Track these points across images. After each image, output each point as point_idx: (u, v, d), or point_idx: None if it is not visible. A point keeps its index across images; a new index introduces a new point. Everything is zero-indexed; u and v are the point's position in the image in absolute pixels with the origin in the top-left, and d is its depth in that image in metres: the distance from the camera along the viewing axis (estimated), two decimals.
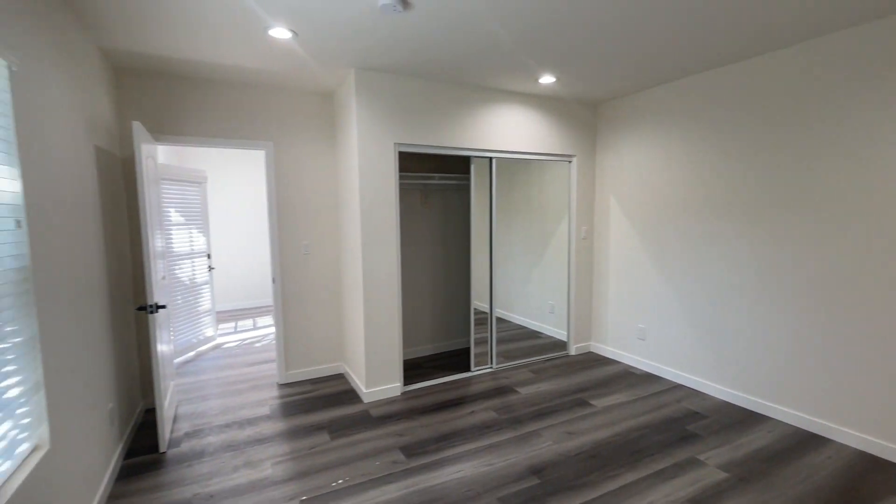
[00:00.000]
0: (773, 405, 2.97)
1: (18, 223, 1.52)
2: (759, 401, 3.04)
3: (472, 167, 3.71)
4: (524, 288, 4.24)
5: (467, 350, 4.46)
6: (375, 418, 3.07)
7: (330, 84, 3.48)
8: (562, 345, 4.35)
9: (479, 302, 3.93)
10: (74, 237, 2.04)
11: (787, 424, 2.87)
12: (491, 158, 3.77)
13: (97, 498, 2.10)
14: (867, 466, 2.40)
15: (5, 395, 1.41)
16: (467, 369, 3.95)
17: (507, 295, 4.10)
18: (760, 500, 2.14)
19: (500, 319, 4.05)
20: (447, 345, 4.49)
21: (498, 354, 4.02)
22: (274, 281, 3.64)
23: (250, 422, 3.04)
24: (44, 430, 1.61)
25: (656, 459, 2.50)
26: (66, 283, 1.89)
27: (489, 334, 3.96)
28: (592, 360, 4.16)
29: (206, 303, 4.73)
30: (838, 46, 2.54)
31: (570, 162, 4.18)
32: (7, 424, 1.40)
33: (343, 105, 3.44)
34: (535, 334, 4.33)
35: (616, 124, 4.02)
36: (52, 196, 1.80)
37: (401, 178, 3.99)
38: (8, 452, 1.39)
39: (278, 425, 2.99)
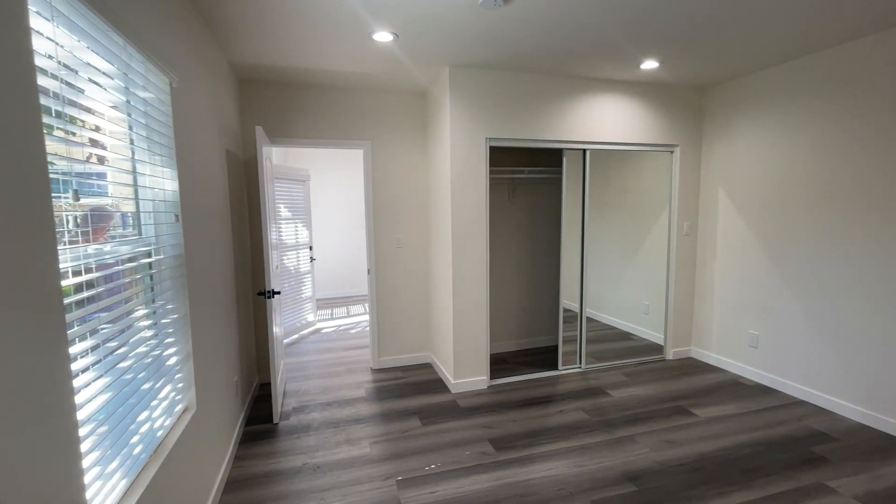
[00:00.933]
0: None
1: (177, 217, 1.78)
2: None
3: (565, 160, 3.61)
4: (617, 286, 4.04)
5: (553, 348, 4.37)
6: (463, 409, 3.13)
7: (423, 83, 3.59)
8: (657, 348, 4.08)
9: (566, 300, 3.82)
10: (213, 230, 2.35)
11: None
12: (585, 150, 3.63)
13: (227, 456, 2.41)
14: None
15: (167, 363, 1.67)
16: (554, 367, 3.87)
17: (598, 293, 3.94)
18: None
19: (589, 319, 3.90)
20: (532, 341, 4.44)
21: (587, 354, 3.88)
22: (369, 272, 3.86)
23: (349, 402, 3.28)
24: (192, 395, 1.88)
25: (774, 481, 2.25)
26: (207, 270, 2.19)
27: (579, 333, 3.84)
28: (693, 367, 3.85)
29: (308, 290, 5.16)
30: None
31: (671, 152, 3.88)
32: (168, 387, 1.66)
33: (436, 102, 3.53)
34: (626, 336, 4.11)
35: (727, 109, 3.65)
36: (197, 194, 2.09)
37: (490, 172, 4.00)
38: (169, 410, 1.65)
39: (373, 407, 3.18)
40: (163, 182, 1.71)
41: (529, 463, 2.46)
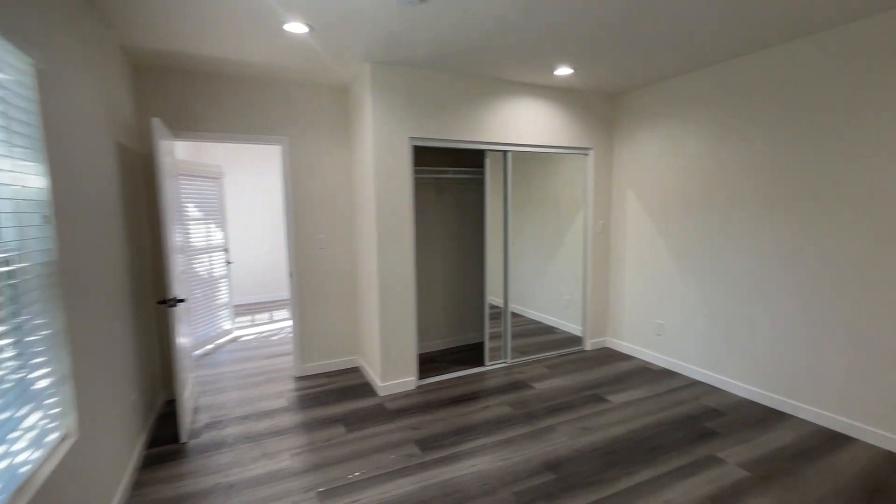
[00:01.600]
0: (796, 403, 2.90)
1: (46, 218, 1.55)
2: (781, 398, 2.98)
3: (487, 161, 3.68)
4: (540, 282, 4.21)
5: (482, 345, 4.45)
6: (391, 411, 3.09)
7: (345, 78, 3.48)
8: (577, 340, 4.32)
9: (493, 297, 3.91)
10: (98, 232, 2.09)
11: (810, 423, 2.81)
12: (506, 152, 3.73)
13: (122, 486, 2.16)
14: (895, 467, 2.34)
15: (34, 387, 1.45)
16: (482, 364, 3.94)
17: (523, 289, 4.08)
18: (783, 500, 2.10)
19: (514, 314, 4.03)
20: (461, 339, 4.49)
21: (513, 349, 4.01)
22: (291, 275, 3.68)
23: (268, 414, 3.09)
24: (72, 420, 1.65)
25: (674, 457, 2.47)
26: (91, 277, 1.94)
27: (504, 329, 3.95)
28: (608, 356, 4.12)
29: (223, 296, 4.81)
30: (867, 35, 2.44)
31: (586, 155, 4.12)
32: (37, 415, 1.44)
33: (358, 99, 3.44)
34: (550, 329, 4.31)
35: (635, 116, 3.95)
36: (77, 192, 1.84)
37: (415, 172, 3.99)
38: (37, 442, 1.43)
39: (295, 417, 3.03)
40: (25, 178, 1.48)
41: (455, 461, 2.47)
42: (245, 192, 6.56)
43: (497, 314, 3.94)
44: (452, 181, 4.27)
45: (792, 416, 2.91)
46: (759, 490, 2.17)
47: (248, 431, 2.85)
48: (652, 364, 3.88)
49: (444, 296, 4.35)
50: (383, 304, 3.31)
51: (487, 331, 3.87)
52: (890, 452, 2.46)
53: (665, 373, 3.68)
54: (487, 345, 3.88)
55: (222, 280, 4.80)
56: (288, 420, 2.99)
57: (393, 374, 3.40)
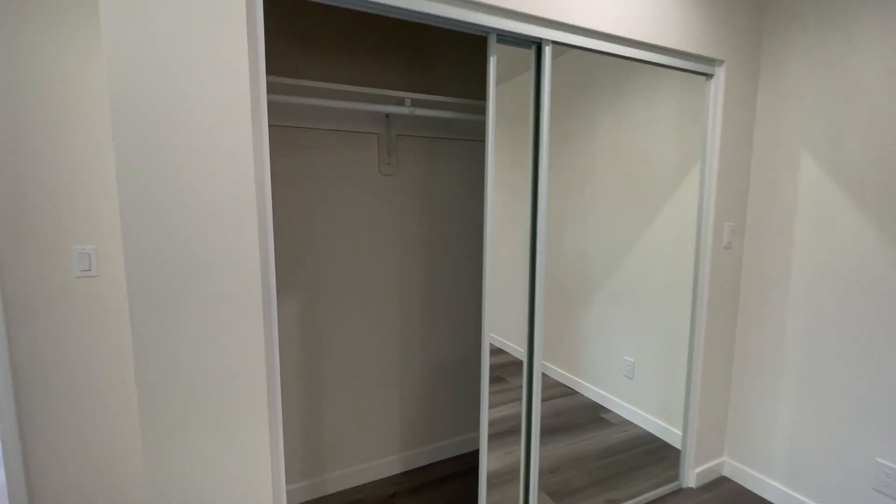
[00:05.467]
0: None
1: None
2: None
3: (492, 61, 1.47)
4: (581, 327, 2.04)
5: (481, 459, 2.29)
6: None
7: None
8: (665, 455, 2.14)
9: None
10: None
11: None
12: (540, 44, 1.53)
13: None
14: None
15: None
16: None
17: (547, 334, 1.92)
18: None
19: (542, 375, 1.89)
20: (458, 444, 2.32)
21: (543, 472, 1.83)
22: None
23: None
24: None
25: None
26: None
27: (525, 444, 1.77)
28: None
29: None
30: None
31: (709, 77, 1.92)
32: None
33: None
34: (597, 412, 2.11)
35: None
36: None
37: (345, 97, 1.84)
38: None
39: None
40: None
41: None
42: None
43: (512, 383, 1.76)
44: (414, 124, 2.07)
45: None
46: None
47: None
48: None
49: (416, 369, 2.17)
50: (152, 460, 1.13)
51: (486, 456, 1.69)
52: None
53: None
54: (485, 489, 1.70)
55: None
56: None
57: None
